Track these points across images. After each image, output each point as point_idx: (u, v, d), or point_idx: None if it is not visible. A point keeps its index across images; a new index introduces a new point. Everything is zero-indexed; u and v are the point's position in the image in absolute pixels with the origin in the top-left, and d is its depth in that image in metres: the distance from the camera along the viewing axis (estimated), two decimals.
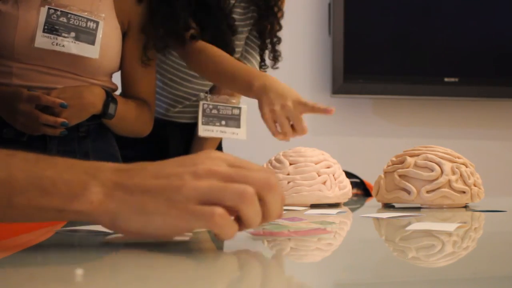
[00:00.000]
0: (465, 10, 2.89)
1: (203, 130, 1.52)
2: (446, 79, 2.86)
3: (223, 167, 0.56)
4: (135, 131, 1.45)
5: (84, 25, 1.30)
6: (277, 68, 1.66)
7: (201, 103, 1.53)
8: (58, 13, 1.28)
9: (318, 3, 2.88)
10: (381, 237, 0.73)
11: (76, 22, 1.29)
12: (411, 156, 1.09)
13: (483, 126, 3.01)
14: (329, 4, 2.83)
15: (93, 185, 0.56)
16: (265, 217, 0.57)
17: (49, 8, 1.28)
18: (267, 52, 1.64)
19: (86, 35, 1.30)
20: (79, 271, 0.44)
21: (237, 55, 1.62)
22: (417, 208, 1.06)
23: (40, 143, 1.29)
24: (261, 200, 0.56)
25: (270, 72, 1.68)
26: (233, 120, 1.54)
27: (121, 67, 1.42)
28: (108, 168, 0.57)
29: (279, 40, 1.63)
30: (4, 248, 0.63)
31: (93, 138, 1.37)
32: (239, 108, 1.56)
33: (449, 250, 0.59)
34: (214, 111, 1.54)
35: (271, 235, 0.68)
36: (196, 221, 0.54)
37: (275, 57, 1.64)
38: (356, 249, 0.64)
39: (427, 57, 2.87)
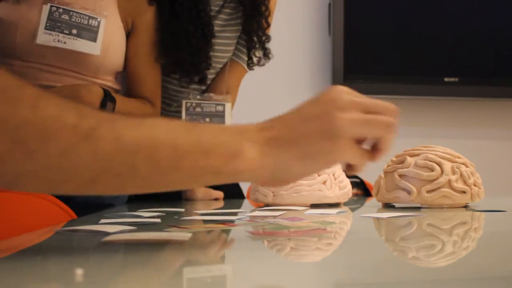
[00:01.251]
0: (465, 10, 2.89)
1: None
2: (446, 79, 2.86)
3: (360, 98, 0.61)
4: None
5: (86, 22, 1.30)
6: (263, 65, 1.68)
7: (184, 101, 1.53)
8: (60, 10, 1.29)
9: (318, 3, 2.88)
10: (381, 237, 0.73)
11: (78, 20, 1.29)
12: (411, 156, 1.09)
13: (483, 126, 3.01)
14: (329, 4, 2.83)
15: (248, 144, 0.58)
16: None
17: (51, 6, 1.28)
18: (261, 51, 1.65)
19: (88, 32, 1.30)
20: (79, 271, 0.44)
21: (229, 54, 1.63)
22: (417, 208, 1.05)
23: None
24: None
25: (258, 69, 1.70)
26: (217, 117, 1.55)
27: (125, 66, 1.42)
28: (253, 128, 0.60)
29: (268, 37, 1.65)
30: (4, 248, 0.63)
31: None
32: (223, 105, 1.56)
33: (449, 250, 0.59)
34: (198, 109, 1.54)
35: (271, 235, 0.68)
36: (352, 157, 0.61)
37: (265, 55, 1.66)
38: (356, 249, 0.64)
39: (427, 57, 2.87)
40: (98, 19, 1.31)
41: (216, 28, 1.57)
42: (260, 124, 0.61)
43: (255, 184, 1.20)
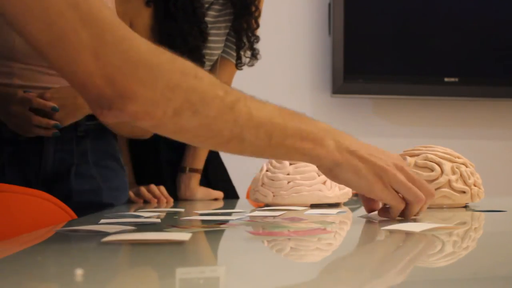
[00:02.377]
0: (465, 10, 2.89)
1: None
2: (446, 79, 2.86)
3: (408, 169, 0.79)
4: (134, 131, 1.45)
5: None
6: (252, 65, 1.69)
7: None
8: None
9: (318, 3, 2.88)
10: (381, 237, 0.73)
11: None
12: (411, 156, 1.09)
13: (483, 126, 3.01)
14: (329, 4, 2.83)
15: (329, 138, 0.77)
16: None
17: None
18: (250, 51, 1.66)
19: None
20: (79, 271, 0.44)
21: (219, 51, 1.64)
22: None
23: (37, 141, 1.29)
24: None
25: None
26: None
27: None
28: (338, 131, 0.79)
29: (257, 38, 1.66)
30: (4, 248, 0.63)
31: (92, 138, 1.37)
32: None
33: (449, 250, 0.59)
34: None
35: (271, 235, 0.68)
36: (389, 198, 0.78)
37: (253, 55, 1.66)
38: (356, 249, 0.64)
39: (427, 57, 2.87)
40: None
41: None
42: (338, 135, 0.79)
43: (255, 184, 1.20)
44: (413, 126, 2.96)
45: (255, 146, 0.73)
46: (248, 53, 1.66)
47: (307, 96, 2.86)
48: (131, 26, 1.41)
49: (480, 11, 2.89)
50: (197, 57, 1.52)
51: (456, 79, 2.86)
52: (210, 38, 1.59)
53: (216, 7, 1.61)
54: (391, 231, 0.70)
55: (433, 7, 2.87)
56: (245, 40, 1.63)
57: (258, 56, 1.67)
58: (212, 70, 1.64)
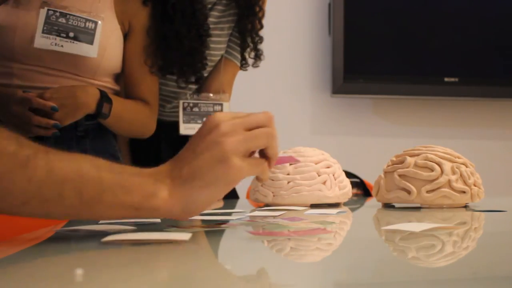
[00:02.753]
0: (465, 10, 2.89)
1: (185, 129, 1.53)
2: (446, 79, 2.86)
3: (239, 119, 0.67)
4: (133, 131, 1.45)
5: (83, 25, 1.30)
6: (257, 66, 1.69)
7: (181, 102, 1.54)
8: (57, 14, 1.29)
9: (318, 3, 2.88)
10: (381, 237, 0.73)
11: (75, 23, 1.30)
12: (411, 156, 1.09)
13: (483, 126, 3.01)
14: (329, 4, 2.83)
15: (160, 185, 0.65)
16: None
17: (48, 10, 1.29)
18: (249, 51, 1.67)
19: (85, 35, 1.30)
20: (79, 271, 0.44)
21: (222, 52, 1.64)
22: (417, 208, 1.06)
23: (38, 141, 1.29)
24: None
25: (258, 69, 1.70)
26: None
27: (123, 68, 1.42)
28: (165, 170, 0.67)
29: (261, 39, 1.66)
30: (4, 248, 0.63)
31: (92, 138, 1.37)
32: (221, 105, 1.56)
33: (449, 250, 0.59)
34: (195, 109, 1.54)
35: (271, 235, 0.68)
36: (249, 170, 0.66)
37: (257, 56, 1.67)
38: (356, 249, 0.64)
39: (427, 57, 2.87)
40: (95, 22, 1.31)
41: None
42: (169, 165, 0.68)
43: (255, 184, 1.20)
44: (413, 126, 2.96)
45: (64, 206, 0.62)
46: (252, 54, 1.66)
47: (307, 96, 2.86)
48: (130, 26, 1.41)
49: (480, 11, 2.89)
50: (198, 59, 1.52)
51: (456, 79, 2.86)
52: (213, 38, 1.59)
53: (219, 7, 1.61)
54: (391, 231, 0.70)
55: (433, 7, 2.87)
56: (249, 41, 1.64)
57: (262, 57, 1.68)
58: (215, 70, 1.64)
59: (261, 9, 1.64)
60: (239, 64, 1.67)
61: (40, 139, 1.28)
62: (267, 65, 2.99)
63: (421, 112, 2.96)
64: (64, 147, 1.31)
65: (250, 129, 0.67)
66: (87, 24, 1.31)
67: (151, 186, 0.65)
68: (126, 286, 0.43)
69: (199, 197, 0.66)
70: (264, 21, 1.72)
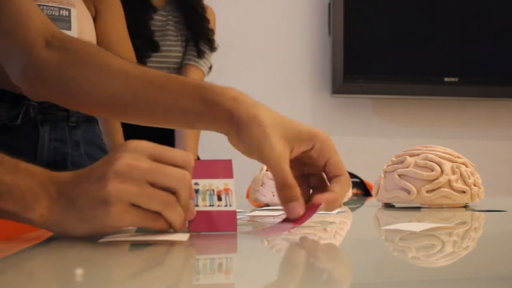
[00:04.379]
0: (465, 9, 2.89)
1: None
2: (446, 79, 2.86)
3: (144, 162, 0.57)
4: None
5: (57, 13, 1.32)
6: (215, 49, 1.94)
7: None
8: None
9: (318, 3, 2.88)
10: (381, 237, 0.72)
11: (49, 12, 1.31)
12: (411, 156, 1.09)
13: (483, 126, 3.01)
14: (329, 4, 2.83)
15: (43, 198, 0.59)
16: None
17: None
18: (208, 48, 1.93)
19: (61, 22, 1.32)
20: (79, 271, 0.44)
21: (178, 60, 1.89)
22: (417, 208, 1.06)
23: (32, 130, 1.29)
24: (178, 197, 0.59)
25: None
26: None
27: None
28: (59, 180, 0.60)
29: (212, 31, 1.91)
30: (4, 248, 0.63)
31: (83, 129, 1.38)
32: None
33: (449, 250, 0.59)
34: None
35: (271, 235, 0.68)
36: (134, 222, 0.58)
37: (211, 48, 1.93)
38: (356, 249, 0.64)
39: (427, 57, 2.87)
40: (68, 9, 1.33)
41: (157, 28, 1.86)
42: (73, 174, 0.61)
43: (255, 184, 1.20)
44: (413, 126, 2.96)
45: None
46: (207, 47, 1.89)
47: (307, 96, 2.86)
48: (96, 11, 1.44)
49: (480, 11, 2.89)
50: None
51: (456, 79, 2.86)
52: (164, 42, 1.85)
53: (172, 27, 1.89)
54: (391, 231, 0.70)
55: (433, 7, 2.87)
56: (199, 31, 1.87)
57: (214, 48, 1.91)
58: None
59: (202, 7, 1.91)
60: (200, 67, 1.84)
61: (37, 126, 1.28)
62: (267, 65, 2.99)
63: (421, 112, 2.96)
64: (58, 136, 1.32)
65: (155, 180, 0.57)
66: (61, 12, 1.32)
67: (32, 198, 0.59)
68: (125, 286, 0.43)
69: (75, 227, 0.59)
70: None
